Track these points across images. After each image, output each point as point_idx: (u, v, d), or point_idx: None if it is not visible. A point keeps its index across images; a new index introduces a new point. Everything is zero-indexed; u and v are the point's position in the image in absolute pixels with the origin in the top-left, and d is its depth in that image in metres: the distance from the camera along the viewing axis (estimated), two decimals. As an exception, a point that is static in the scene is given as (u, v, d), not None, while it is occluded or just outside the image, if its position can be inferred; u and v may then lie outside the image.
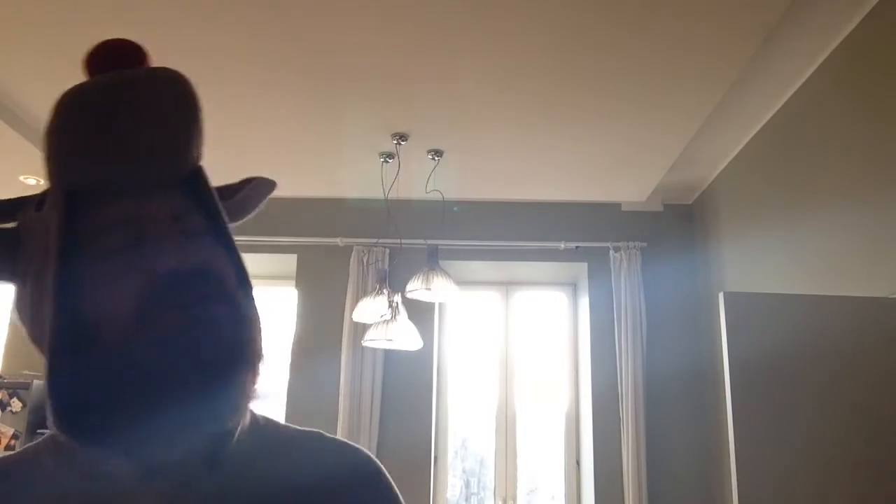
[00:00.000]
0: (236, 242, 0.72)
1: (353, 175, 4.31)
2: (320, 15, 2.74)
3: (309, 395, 4.50)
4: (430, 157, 3.94)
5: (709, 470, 4.29)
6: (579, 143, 3.83)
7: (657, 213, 4.78)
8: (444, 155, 3.94)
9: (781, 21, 2.73)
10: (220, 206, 0.72)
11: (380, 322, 3.58)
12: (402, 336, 3.57)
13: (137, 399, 0.59)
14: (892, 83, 2.58)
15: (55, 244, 0.63)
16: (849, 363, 2.17)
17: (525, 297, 5.07)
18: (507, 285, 5.07)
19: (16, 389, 4.35)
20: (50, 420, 0.61)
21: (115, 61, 0.69)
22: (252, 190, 0.81)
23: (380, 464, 0.80)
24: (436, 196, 4.18)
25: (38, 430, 4.32)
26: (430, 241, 4.08)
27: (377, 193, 4.10)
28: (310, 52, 2.96)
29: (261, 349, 0.68)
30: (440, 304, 4.79)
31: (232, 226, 0.76)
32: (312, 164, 4.23)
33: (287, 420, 3.67)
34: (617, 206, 4.79)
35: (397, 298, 3.66)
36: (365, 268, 4.61)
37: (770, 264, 3.59)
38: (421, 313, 4.30)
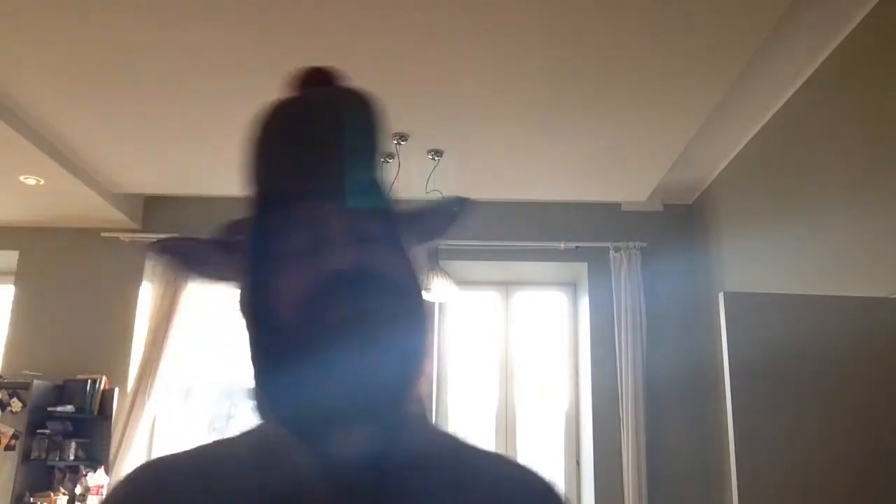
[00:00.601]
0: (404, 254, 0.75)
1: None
2: (319, 14, 2.74)
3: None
4: (430, 157, 3.94)
5: (709, 469, 4.29)
6: (579, 143, 3.82)
7: (657, 214, 4.78)
8: (444, 155, 3.94)
9: (780, 22, 2.73)
10: (398, 216, 0.77)
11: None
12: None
13: (312, 390, 0.63)
14: (891, 83, 2.58)
15: (249, 241, 0.71)
16: (848, 363, 2.17)
17: (525, 297, 5.07)
18: (507, 285, 5.07)
19: (16, 389, 4.34)
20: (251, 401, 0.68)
21: (315, 81, 0.77)
22: (442, 208, 0.84)
23: (560, 492, 0.78)
24: (436, 196, 4.18)
25: (38, 430, 4.33)
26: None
27: (377, 193, 4.10)
28: (309, 52, 2.96)
29: (424, 361, 0.70)
30: (440, 305, 4.79)
31: (429, 244, 0.81)
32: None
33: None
34: (617, 206, 4.79)
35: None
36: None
37: (770, 264, 3.59)
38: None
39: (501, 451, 4.67)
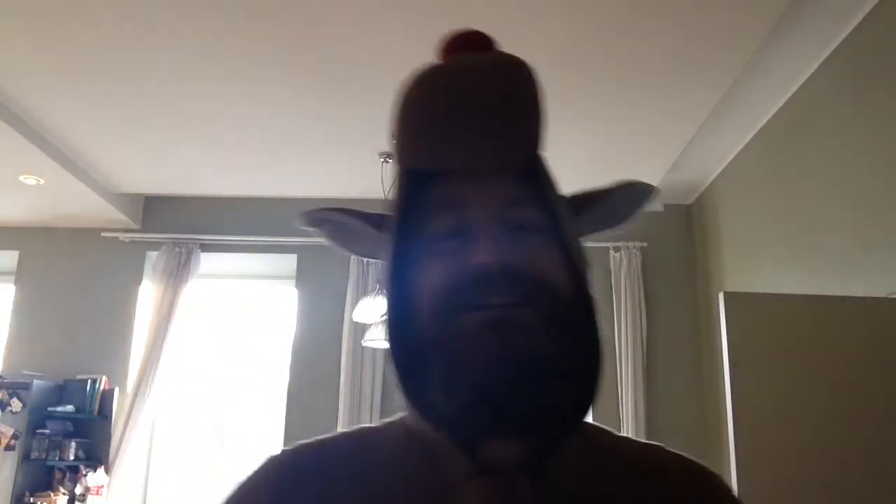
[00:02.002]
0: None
1: (354, 175, 4.31)
2: (323, 16, 2.74)
3: (309, 395, 4.50)
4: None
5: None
6: (579, 144, 3.83)
7: (657, 214, 4.78)
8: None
9: (780, 22, 2.73)
10: (562, 200, 0.68)
11: (380, 322, 3.58)
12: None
13: (450, 396, 0.57)
14: (891, 84, 2.58)
15: (392, 220, 0.64)
16: (847, 363, 2.17)
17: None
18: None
19: (16, 389, 4.34)
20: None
21: (466, 46, 0.69)
22: (620, 193, 0.75)
23: (730, 487, 0.70)
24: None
25: (38, 430, 4.33)
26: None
27: (377, 193, 4.10)
28: (312, 53, 2.96)
29: (586, 377, 0.62)
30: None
31: (600, 232, 0.75)
32: (313, 164, 4.23)
33: (286, 420, 3.70)
34: (617, 206, 4.78)
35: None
36: (365, 268, 4.61)
37: (769, 264, 3.59)
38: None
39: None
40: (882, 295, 2.48)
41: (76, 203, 4.52)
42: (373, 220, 0.71)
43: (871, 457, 2.09)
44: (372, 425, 0.71)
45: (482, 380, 0.56)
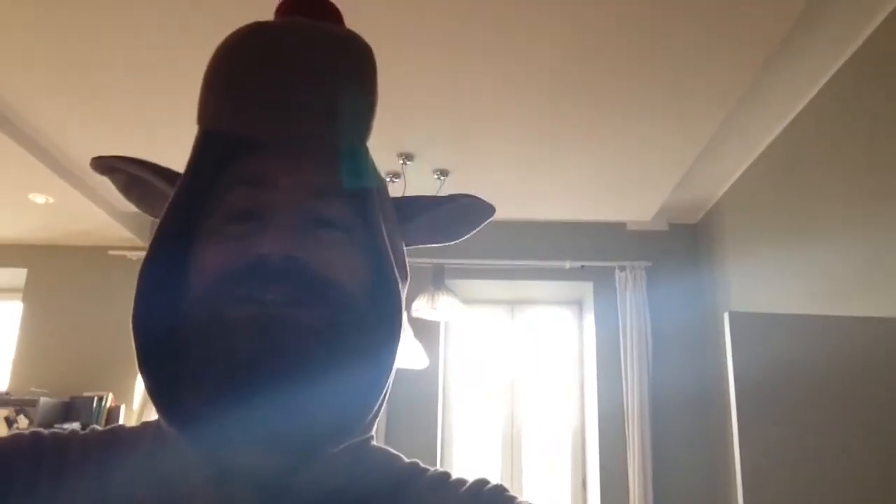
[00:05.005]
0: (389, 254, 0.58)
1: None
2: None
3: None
4: (436, 176, 3.96)
5: (715, 489, 4.26)
6: (584, 163, 3.84)
7: (662, 233, 4.79)
8: (450, 175, 3.97)
9: (785, 41, 2.75)
10: (384, 201, 0.61)
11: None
12: (407, 355, 3.57)
13: (206, 389, 0.51)
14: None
15: (179, 187, 0.56)
16: (854, 383, 2.16)
17: (531, 316, 5.07)
18: (513, 304, 5.07)
19: (23, 406, 4.35)
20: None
21: (299, 11, 0.59)
22: (455, 206, 0.68)
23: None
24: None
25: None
26: (435, 261, 4.09)
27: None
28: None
29: (360, 395, 0.55)
30: (446, 323, 4.79)
31: (436, 244, 0.68)
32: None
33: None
34: (622, 225, 4.80)
35: (403, 317, 3.66)
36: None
37: (775, 284, 3.58)
38: (427, 332, 4.31)
39: (507, 469, 4.62)
40: (888, 315, 2.48)
41: (84, 221, 4.55)
42: (174, 179, 0.60)
43: (879, 476, 2.08)
44: (143, 423, 0.65)
45: (234, 381, 0.50)
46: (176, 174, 0.59)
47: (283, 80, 0.52)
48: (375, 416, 0.58)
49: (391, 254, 0.58)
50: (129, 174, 0.65)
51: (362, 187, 0.57)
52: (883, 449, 2.11)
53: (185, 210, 0.56)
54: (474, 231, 0.70)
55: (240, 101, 0.52)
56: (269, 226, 0.54)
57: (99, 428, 0.64)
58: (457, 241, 0.70)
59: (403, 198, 0.68)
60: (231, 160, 0.57)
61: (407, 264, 0.64)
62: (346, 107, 0.53)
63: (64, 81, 3.14)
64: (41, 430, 0.62)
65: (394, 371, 0.57)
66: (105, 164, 0.65)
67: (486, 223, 0.70)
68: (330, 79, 0.53)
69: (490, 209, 0.69)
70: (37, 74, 3.09)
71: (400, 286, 0.59)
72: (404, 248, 0.65)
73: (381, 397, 0.56)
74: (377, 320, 0.56)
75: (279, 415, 0.50)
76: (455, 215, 0.68)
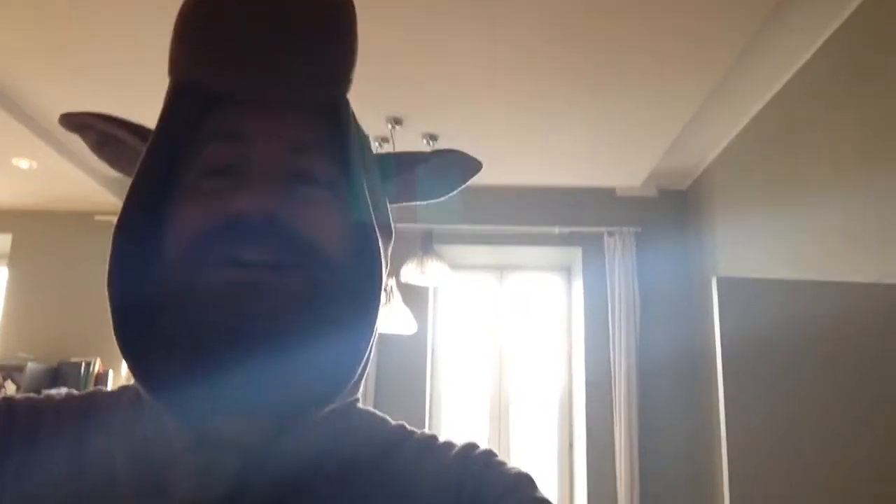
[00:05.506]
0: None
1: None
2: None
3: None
4: (425, 141, 3.93)
5: (700, 452, 4.32)
6: (574, 128, 3.82)
7: (651, 199, 4.79)
8: (439, 140, 3.94)
9: (776, 8, 2.72)
10: (367, 157, 0.58)
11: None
12: (396, 320, 3.57)
13: (182, 355, 0.49)
14: (886, 71, 2.58)
15: (150, 144, 0.53)
16: (841, 349, 2.18)
17: (519, 281, 5.08)
18: (502, 269, 5.08)
19: (10, 372, 4.34)
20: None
21: None
22: (441, 161, 0.65)
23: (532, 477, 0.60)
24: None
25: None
26: (424, 226, 4.08)
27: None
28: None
29: (339, 363, 0.53)
30: (434, 288, 4.79)
31: (418, 203, 0.66)
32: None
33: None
34: (611, 191, 4.79)
35: (392, 282, 3.66)
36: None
37: (764, 249, 3.60)
38: (415, 297, 4.31)
39: (494, 434, 4.66)
40: (874, 280, 2.49)
41: (70, 186, 4.51)
42: (149, 136, 0.57)
43: (863, 440, 2.11)
44: (106, 390, 0.64)
45: (211, 348, 0.48)
46: (151, 131, 0.56)
47: (259, 28, 0.49)
48: (359, 380, 0.57)
49: (373, 212, 0.55)
50: (100, 131, 0.63)
51: (344, 141, 0.55)
52: (869, 413, 2.13)
53: (160, 167, 0.54)
54: (460, 187, 0.68)
55: (214, 50, 0.49)
56: (247, 180, 0.52)
57: (76, 392, 0.64)
58: (442, 199, 0.68)
59: (388, 154, 0.65)
60: (206, 114, 0.54)
61: (392, 222, 0.62)
62: (327, 57, 0.50)
63: (46, 46, 3.08)
64: (13, 395, 0.61)
65: (376, 333, 0.56)
66: (75, 121, 0.63)
67: (472, 179, 0.68)
68: (309, 27, 0.49)
69: (477, 164, 0.67)
70: (17, 37, 3.03)
71: (381, 246, 0.56)
72: (388, 206, 0.63)
73: (364, 361, 0.54)
74: (359, 282, 0.54)
75: (257, 383, 0.48)
76: (441, 170, 0.66)
